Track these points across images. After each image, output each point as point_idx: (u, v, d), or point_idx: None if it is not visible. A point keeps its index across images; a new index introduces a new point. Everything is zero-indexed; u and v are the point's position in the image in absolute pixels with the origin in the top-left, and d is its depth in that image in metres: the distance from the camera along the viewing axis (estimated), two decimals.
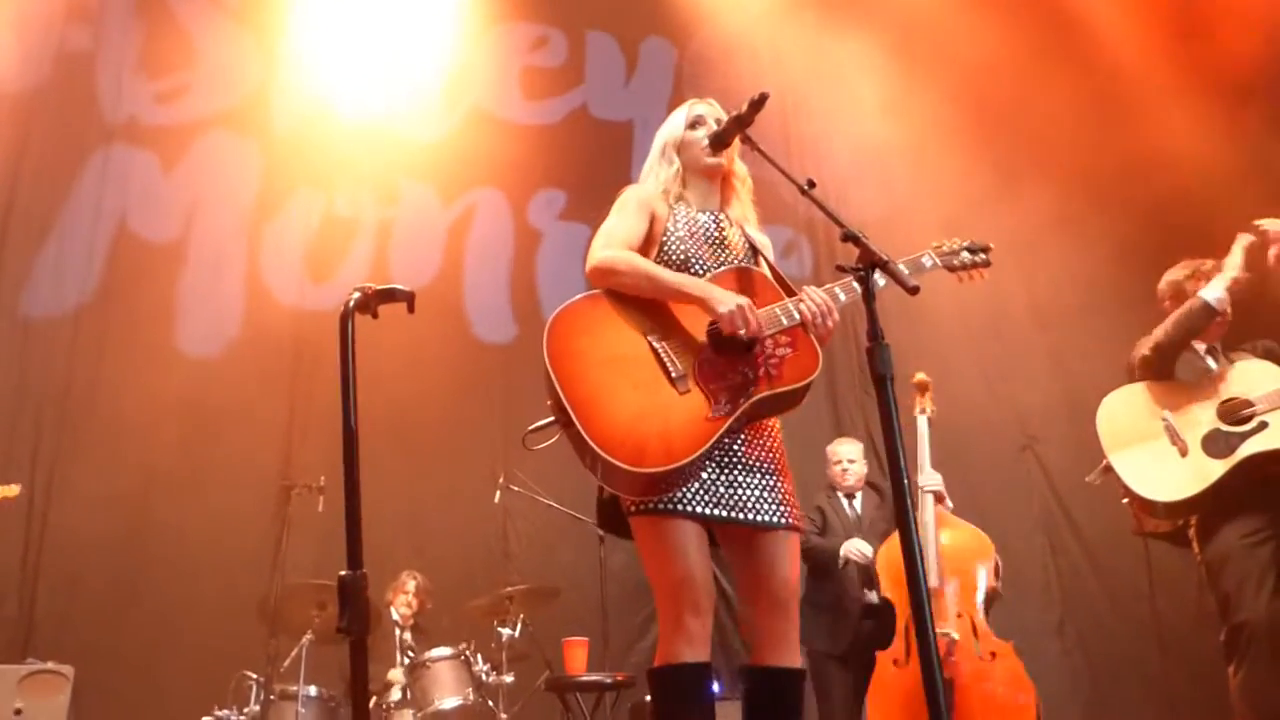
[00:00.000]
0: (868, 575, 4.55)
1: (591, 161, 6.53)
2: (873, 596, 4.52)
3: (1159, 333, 3.61)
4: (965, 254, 2.67)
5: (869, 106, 6.73)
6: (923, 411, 4.54)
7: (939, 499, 4.34)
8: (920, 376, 4.61)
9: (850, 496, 4.87)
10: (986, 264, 2.67)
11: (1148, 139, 5.98)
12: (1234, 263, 3.53)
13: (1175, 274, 3.81)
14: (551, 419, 2.34)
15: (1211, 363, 3.62)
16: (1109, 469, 3.63)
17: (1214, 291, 3.51)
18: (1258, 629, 3.31)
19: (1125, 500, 3.65)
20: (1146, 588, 5.60)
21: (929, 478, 4.37)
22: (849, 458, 4.91)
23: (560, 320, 2.43)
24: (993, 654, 3.99)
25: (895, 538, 4.44)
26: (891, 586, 4.35)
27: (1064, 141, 6.30)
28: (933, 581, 4.15)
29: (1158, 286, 3.87)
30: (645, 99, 7.03)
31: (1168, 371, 3.61)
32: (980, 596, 4.13)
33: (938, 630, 4.00)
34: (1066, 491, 5.98)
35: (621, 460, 2.23)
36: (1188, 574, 5.36)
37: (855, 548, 4.55)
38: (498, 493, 5.42)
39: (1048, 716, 4.23)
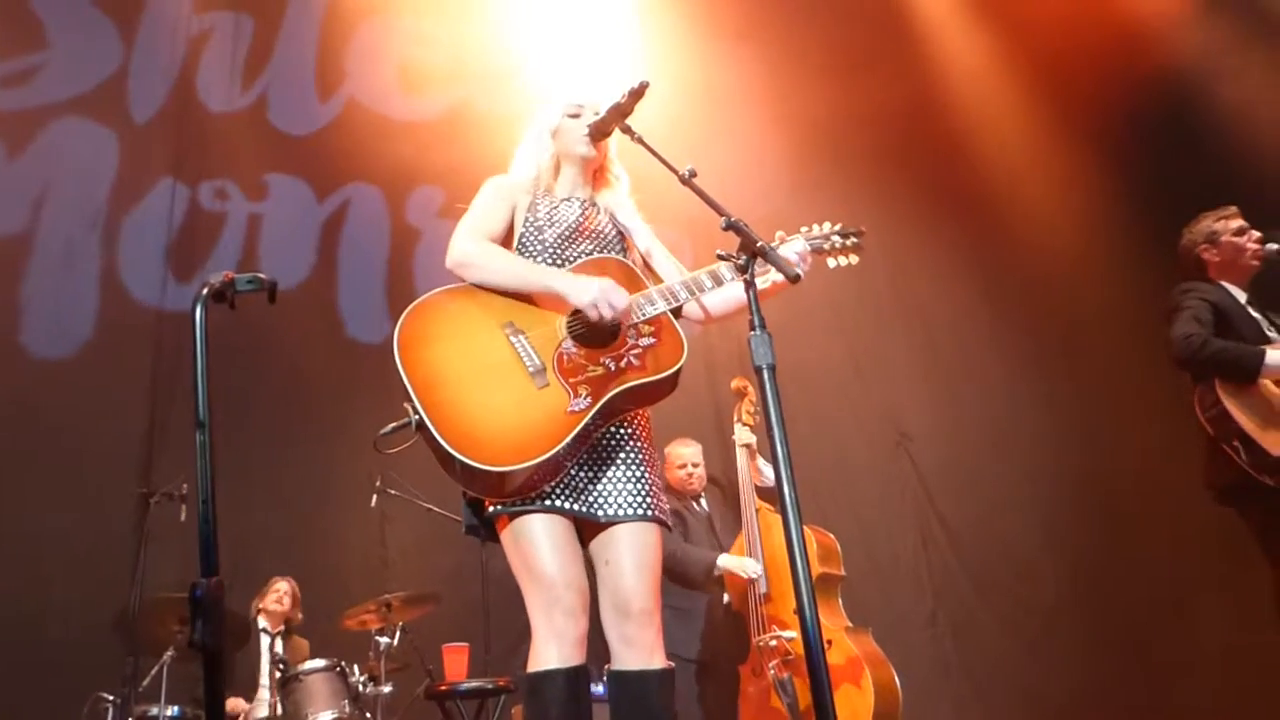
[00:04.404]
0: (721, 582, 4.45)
1: (470, 158, 6.39)
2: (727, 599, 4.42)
3: (1218, 346, 3.38)
4: (836, 238, 2.66)
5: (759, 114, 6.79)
6: (739, 419, 4.42)
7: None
8: (737, 383, 4.45)
9: (696, 498, 4.75)
10: (859, 248, 2.67)
11: (1007, 158, 6.28)
12: None
13: (1206, 222, 3.69)
14: (405, 421, 2.23)
15: (1268, 328, 3.53)
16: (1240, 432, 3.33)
17: (1277, 357, 3.34)
18: None
19: (1234, 455, 3.36)
20: (1009, 581, 5.86)
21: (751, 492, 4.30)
22: (693, 461, 4.72)
23: (412, 317, 2.37)
24: (829, 642, 4.03)
25: (735, 544, 4.45)
26: (735, 598, 4.33)
27: (934, 153, 6.49)
28: (762, 588, 4.16)
29: (1183, 242, 3.72)
30: (527, 95, 6.92)
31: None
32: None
33: (777, 635, 4.06)
34: (936, 488, 6.17)
35: (478, 460, 2.16)
36: (1046, 569, 5.68)
37: (745, 568, 4.30)
38: (374, 496, 5.25)
39: (919, 703, 4.33)
